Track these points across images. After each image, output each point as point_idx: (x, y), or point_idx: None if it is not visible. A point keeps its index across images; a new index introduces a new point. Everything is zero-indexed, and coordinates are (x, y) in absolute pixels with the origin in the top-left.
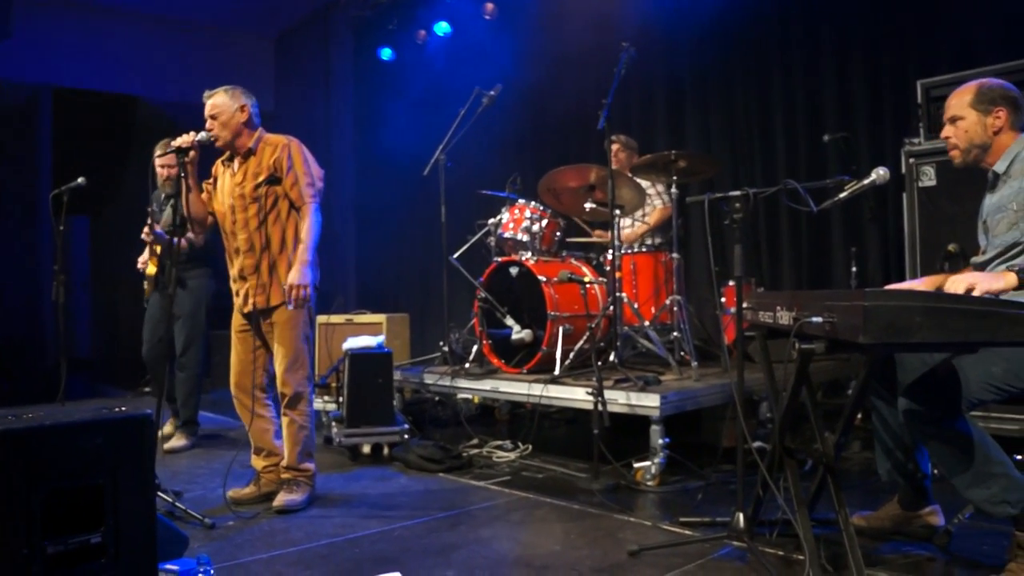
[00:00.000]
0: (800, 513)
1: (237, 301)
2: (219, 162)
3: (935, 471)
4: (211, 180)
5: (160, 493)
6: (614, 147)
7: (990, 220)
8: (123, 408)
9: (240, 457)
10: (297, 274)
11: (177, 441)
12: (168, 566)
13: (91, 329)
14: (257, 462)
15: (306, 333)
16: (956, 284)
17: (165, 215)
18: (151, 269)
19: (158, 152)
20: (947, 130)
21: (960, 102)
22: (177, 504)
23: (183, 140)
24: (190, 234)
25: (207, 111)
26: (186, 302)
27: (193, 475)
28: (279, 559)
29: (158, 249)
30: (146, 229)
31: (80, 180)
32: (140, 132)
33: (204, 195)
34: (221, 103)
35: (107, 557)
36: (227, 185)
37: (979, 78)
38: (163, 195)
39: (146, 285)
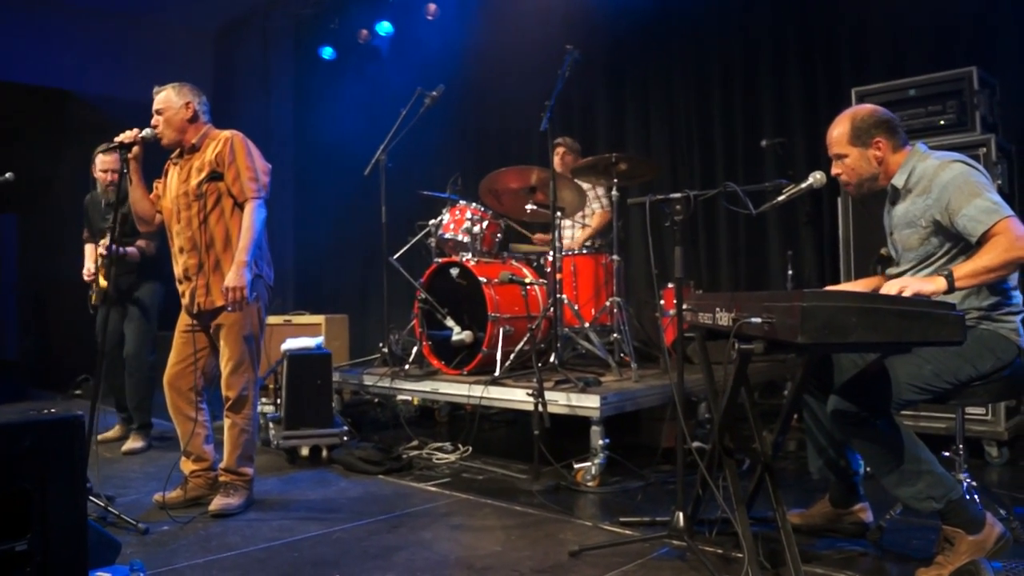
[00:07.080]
0: (739, 511)
1: (184, 301)
2: (170, 160)
3: (867, 469)
4: (162, 179)
5: (92, 498)
6: (560, 150)
7: (898, 234)
8: (53, 410)
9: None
10: (233, 275)
11: (134, 443)
12: (100, 573)
13: (19, 330)
14: (186, 465)
15: (255, 336)
16: (890, 288)
17: (108, 223)
18: (103, 282)
19: (99, 153)
20: (836, 167)
21: (840, 138)
22: (109, 509)
23: (126, 136)
24: (140, 242)
25: (154, 106)
26: (135, 311)
27: (126, 479)
28: (215, 564)
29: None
30: (101, 248)
31: (8, 175)
32: (72, 127)
33: (153, 194)
34: (166, 99)
35: (33, 566)
36: (174, 183)
37: (910, 88)
38: (105, 202)
39: (92, 295)
